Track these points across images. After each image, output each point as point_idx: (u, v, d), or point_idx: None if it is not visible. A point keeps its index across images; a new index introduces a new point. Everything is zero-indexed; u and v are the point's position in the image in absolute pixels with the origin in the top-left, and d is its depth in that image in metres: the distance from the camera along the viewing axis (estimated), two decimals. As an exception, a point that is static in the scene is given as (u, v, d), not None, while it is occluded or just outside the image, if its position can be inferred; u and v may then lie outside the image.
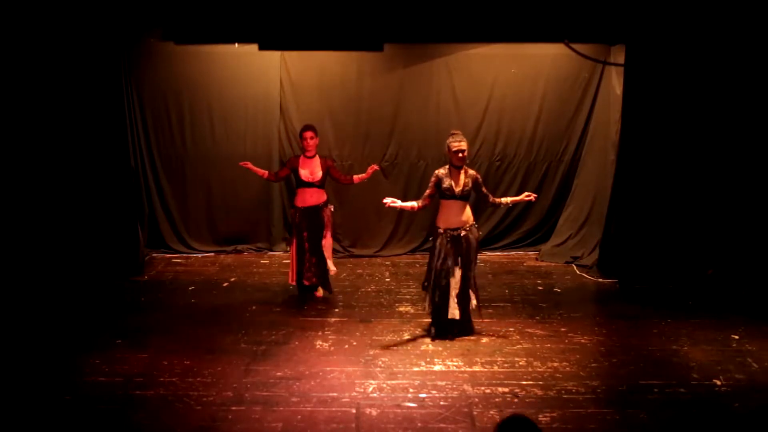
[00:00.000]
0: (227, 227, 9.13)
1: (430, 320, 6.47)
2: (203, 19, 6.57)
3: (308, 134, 6.97)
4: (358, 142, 8.95)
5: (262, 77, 8.75)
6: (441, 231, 6.21)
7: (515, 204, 6.86)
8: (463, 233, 6.19)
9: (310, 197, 7.07)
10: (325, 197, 7.17)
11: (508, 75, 8.84)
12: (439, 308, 6.25)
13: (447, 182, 6.16)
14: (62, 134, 7.69)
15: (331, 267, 7.33)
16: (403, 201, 6.50)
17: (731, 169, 7.62)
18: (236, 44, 8.11)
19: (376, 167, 7.20)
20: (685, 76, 7.44)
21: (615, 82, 8.32)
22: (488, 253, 9.08)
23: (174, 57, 8.56)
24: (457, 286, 6.19)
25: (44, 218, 7.74)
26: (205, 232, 9.14)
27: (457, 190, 6.14)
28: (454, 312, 6.20)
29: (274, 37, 6.66)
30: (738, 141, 7.54)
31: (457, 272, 6.19)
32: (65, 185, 7.77)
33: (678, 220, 7.76)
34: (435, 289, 6.24)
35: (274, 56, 8.58)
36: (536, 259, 8.94)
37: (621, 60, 7.90)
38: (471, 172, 6.26)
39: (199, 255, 8.98)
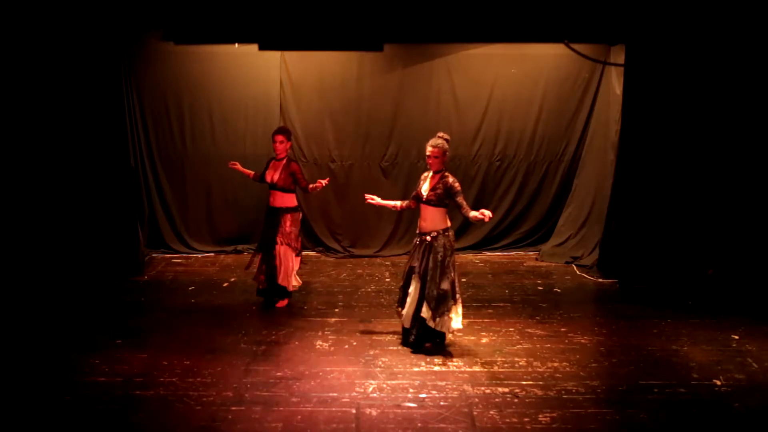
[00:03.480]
0: (227, 227, 9.13)
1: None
2: (203, 19, 6.58)
3: (278, 138, 6.81)
4: (358, 142, 8.95)
5: (262, 77, 8.75)
6: (417, 232, 6.11)
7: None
8: (428, 239, 5.92)
9: (273, 199, 6.94)
10: (290, 203, 6.91)
11: (508, 75, 8.84)
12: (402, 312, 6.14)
13: (420, 185, 6.07)
14: (63, 134, 7.69)
15: (291, 281, 6.97)
16: (402, 201, 6.47)
17: (731, 169, 7.62)
18: (236, 44, 8.11)
19: (324, 182, 6.76)
20: (685, 76, 7.44)
21: (615, 82, 8.32)
22: (488, 253, 9.10)
23: (174, 57, 8.57)
24: (415, 294, 5.97)
25: (44, 218, 7.74)
26: (205, 232, 9.14)
27: (423, 194, 5.96)
28: (404, 320, 6.06)
29: (274, 37, 6.66)
30: (738, 141, 7.54)
31: (416, 281, 5.95)
32: (65, 185, 7.77)
33: (678, 220, 7.76)
34: (401, 291, 6.15)
35: (274, 56, 8.58)
36: (536, 259, 8.94)
37: (621, 60, 7.90)
38: (449, 179, 5.87)
39: (199, 255, 8.98)
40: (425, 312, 5.89)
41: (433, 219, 5.95)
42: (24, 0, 7.04)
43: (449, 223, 6.04)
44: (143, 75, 8.64)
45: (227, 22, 6.59)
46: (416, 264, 5.96)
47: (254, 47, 7.01)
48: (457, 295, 5.97)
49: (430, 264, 5.87)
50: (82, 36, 7.42)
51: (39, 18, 7.18)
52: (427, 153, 5.92)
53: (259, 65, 8.67)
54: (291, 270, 6.95)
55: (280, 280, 6.93)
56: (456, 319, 5.96)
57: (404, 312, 6.06)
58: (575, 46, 7.61)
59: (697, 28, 7.00)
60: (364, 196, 6.43)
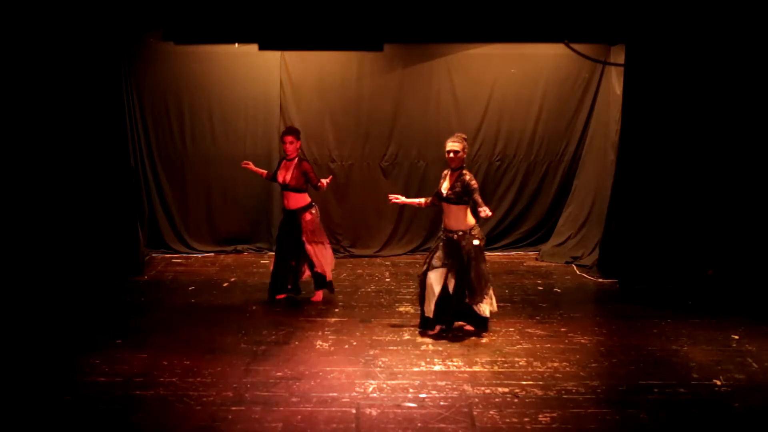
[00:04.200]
0: (227, 227, 9.13)
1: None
2: (203, 19, 6.58)
3: (288, 139, 6.89)
4: (358, 142, 8.94)
5: (262, 77, 8.74)
6: (442, 228, 6.32)
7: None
8: (455, 237, 6.15)
9: (286, 201, 7.05)
10: (304, 201, 7.01)
11: (508, 75, 8.84)
12: (421, 303, 6.39)
13: (441, 183, 6.27)
14: (63, 134, 7.69)
15: (326, 273, 7.18)
16: (425, 198, 6.60)
17: (731, 169, 7.62)
18: (236, 44, 8.12)
19: (327, 180, 6.90)
20: (685, 76, 7.44)
21: (615, 82, 8.32)
22: (488, 253, 8.91)
23: (174, 57, 8.56)
24: (439, 286, 6.17)
25: (44, 218, 7.74)
26: (205, 232, 9.14)
27: (443, 192, 6.18)
28: (429, 310, 6.28)
29: (274, 37, 6.66)
30: (738, 141, 7.54)
31: (441, 273, 6.17)
32: (65, 185, 7.77)
33: (678, 220, 7.76)
34: (420, 284, 6.38)
35: (274, 56, 8.58)
36: (536, 259, 8.94)
37: (621, 60, 7.90)
38: (466, 177, 6.05)
39: (199, 255, 8.98)
40: (468, 300, 6.23)
41: (456, 217, 6.17)
42: (24, 0, 7.05)
43: (473, 221, 6.21)
44: (143, 75, 8.64)
45: (227, 22, 6.59)
46: (438, 264, 6.19)
47: (254, 47, 7.00)
48: (489, 283, 6.31)
49: (464, 261, 6.11)
50: (82, 36, 7.41)
51: (39, 18, 7.18)
52: (448, 148, 6.13)
53: (259, 65, 8.66)
54: (330, 261, 7.20)
55: (319, 270, 7.13)
56: (491, 303, 6.35)
57: (429, 308, 6.29)
58: (575, 46, 7.61)
59: (697, 28, 7.01)
60: (388, 197, 6.64)
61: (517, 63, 8.79)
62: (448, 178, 6.22)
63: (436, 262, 6.22)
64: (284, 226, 7.17)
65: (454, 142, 6.11)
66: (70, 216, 7.80)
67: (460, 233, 6.14)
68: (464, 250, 6.11)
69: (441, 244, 6.25)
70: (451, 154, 6.10)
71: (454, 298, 6.22)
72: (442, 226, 6.31)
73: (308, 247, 7.03)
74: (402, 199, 6.60)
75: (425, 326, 6.37)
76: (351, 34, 6.59)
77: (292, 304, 7.20)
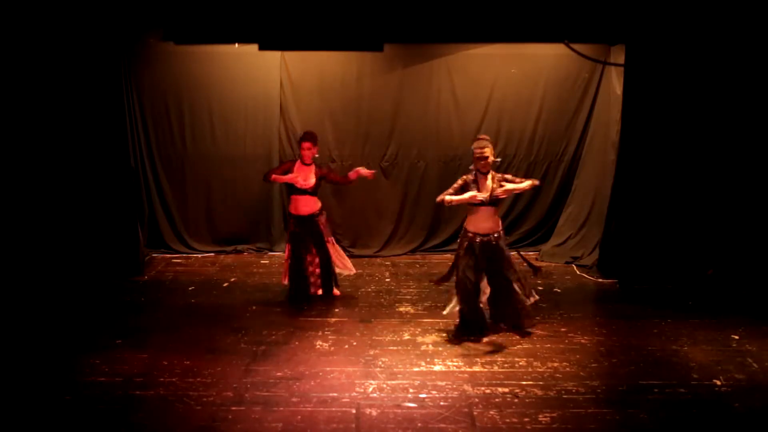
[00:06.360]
0: (227, 227, 9.13)
1: (430, 320, 6.67)
2: (203, 19, 6.59)
3: (306, 145, 6.92)
4: (358, 142, 8.94)
5: (262, 77, 8.74)
6: (470, 235, 6.23)
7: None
8: (493, 240, 6.21)
9: (304, 205, 7.04)
10: (318, 205, 7.12)
11: (508, 75, 8.83)
12: (467, 309, 6.29)
13: (473, 189, 6.12)
14: (63, 134, 7.69)
15: (350, 268, 7.43)
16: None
17: (731, 169, 7.62)
18: (236, 44, 8.12)
19: (367, 172, 7.10)
20: (685, 76, 7.44)
21: (615, 82, 8.32)
22: (488, 253, 9.08)
23: (174, 57, 8.56)
24: (486, 290, 6.37)
25: (44, 218, 7.75)
26: (205, 232, 9.14)
27: (484, 197, 6.11)
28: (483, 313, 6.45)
29: (274, 37, 6.67)
30: (738, 141, 7.54)
31: (484, 277, 6.32)
32: (65, 185, 7.77)
33: (678, 220, 7.76)
34: (461, 292, 6.28)
35: (274, 56, 8.58)
36: (536, 259, 8.91)
37: (621, 60, 7.90)
38: (498, 175, 6.23)
39: (199, 255, 8.98)
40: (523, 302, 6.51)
41: (495, 219, 6.35)
42: (24, 0, 7.05)
43: (465, 225, 6.31)
44: (143, 75, 8.63)
45: (227, 22, 6.60)
46: (478, 265, 6.32)
47: (254, 47, 7.00)
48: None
49: (504, 261, 6.37)
50: (83, 36, 7.42)
51: (39, 18, 7.19)
52: (485, 154, 6.12)
53: (259, 65, 8.66)
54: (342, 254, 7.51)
55: (340, 267, 7.41)
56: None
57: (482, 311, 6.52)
58: (575, 46, 7.61)
59: (697, 28, 7.01)
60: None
61: (517, 63, 8.79)
62: (482, 182, 6.15)
63: (478, 269, 6.28)
64: (299, 232, 7.12)
65: (484, 147, 6.14)
66: (71, 216, 7.80)
67: (497, 233, 6.28)
68: (502, 249, 6.30)
69: (477, 249, 6.22)
70: (482, 161, 6.11)
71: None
72: (473, 231, 6.23)
73: (330, 248, 7.20)
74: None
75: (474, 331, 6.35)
76: (351, 34, 6.59)
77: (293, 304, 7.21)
